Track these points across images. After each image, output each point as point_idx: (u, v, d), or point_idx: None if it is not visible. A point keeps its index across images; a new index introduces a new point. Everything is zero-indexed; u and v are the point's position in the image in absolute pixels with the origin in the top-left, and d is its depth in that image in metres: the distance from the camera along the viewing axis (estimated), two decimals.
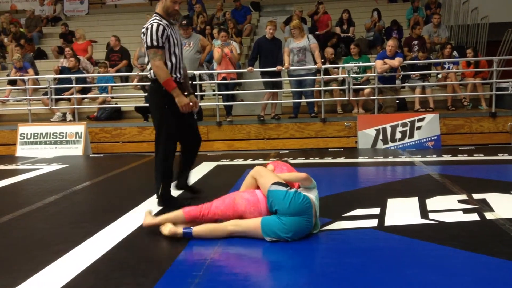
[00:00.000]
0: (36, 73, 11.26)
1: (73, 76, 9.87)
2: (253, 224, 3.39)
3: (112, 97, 10.64)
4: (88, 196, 5.33)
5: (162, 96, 4.36)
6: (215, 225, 3.48)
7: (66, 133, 8.93)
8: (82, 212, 4.61)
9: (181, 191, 4.92)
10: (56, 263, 3.14)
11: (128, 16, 15.56)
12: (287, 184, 3.51)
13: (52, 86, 9.88)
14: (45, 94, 10.21)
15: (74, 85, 9.78)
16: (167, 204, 4.40)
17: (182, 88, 4.48)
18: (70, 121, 10.02)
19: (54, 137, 8.95)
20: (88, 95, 10.52)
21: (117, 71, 11.08)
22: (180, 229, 3.47)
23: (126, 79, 11.21)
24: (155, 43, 4.23)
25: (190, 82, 4.64)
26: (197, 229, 3.45)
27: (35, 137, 9.01)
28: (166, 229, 3.52)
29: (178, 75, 4.43)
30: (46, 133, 9.00)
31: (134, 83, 10.49)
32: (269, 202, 3.41)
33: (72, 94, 9.99)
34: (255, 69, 9.07)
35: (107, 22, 15.31)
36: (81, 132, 8.87)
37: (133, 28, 13.82)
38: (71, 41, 12.67)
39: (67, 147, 8.82)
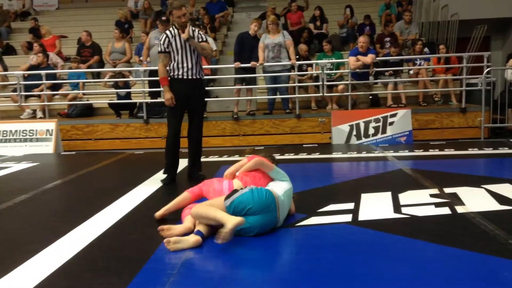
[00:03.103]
0: (5, 69, 10.97)
1: (43, 72, 9.66)
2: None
3: (84, 94, 10.45)
4: (60, 195, 5.24)
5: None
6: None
7: (36, 130, 8.73)
8: (53, 211, 4.54)
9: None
10: (27, 264, 3.07)
11: (99, 11, 15.29)
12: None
13: (22, 82, 9.65)
14: (14, 90, 9.96)
15: (44, 81, 9.56)
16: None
17: (185, 83, 5.31)
18: (41, 118, 9.80)
19: (24, 134, 8.74)
20: (59, 92, 10.31)
21: (88, 67, 10.89)
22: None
23: (97, 75, 11.02)
24: (159, 49, 5.35)
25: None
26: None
27: (4, 135, 8.78)
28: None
29: (179, 72, 5.28)
30: (16, 131, 8.77)
31: (106, 79, 10.32)
32: (238, 210, 3.29)
33: (42, 90, 9.78)
34: (229, 66, 9.02)
35: (77, 17, 15.00)
36: (52, 130, 8.68)
37: (105, 23, 13.59)
38: (41, 36, 12.38)
39: (37, 145, 8.63)
